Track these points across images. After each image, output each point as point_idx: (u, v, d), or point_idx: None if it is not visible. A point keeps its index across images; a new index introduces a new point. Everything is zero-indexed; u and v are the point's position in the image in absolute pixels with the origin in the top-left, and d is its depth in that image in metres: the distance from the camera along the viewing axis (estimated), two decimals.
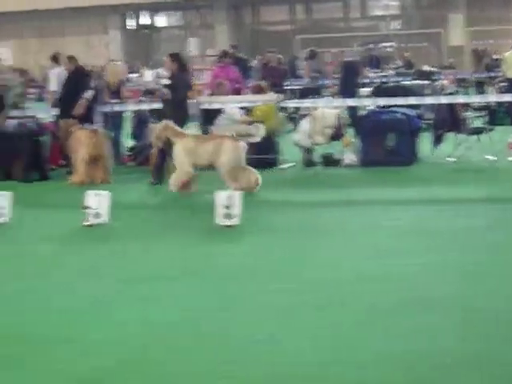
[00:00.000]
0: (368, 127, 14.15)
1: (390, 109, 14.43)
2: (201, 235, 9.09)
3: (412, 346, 5.39)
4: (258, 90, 15.34)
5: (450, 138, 14.65)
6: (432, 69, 27.13)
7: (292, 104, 16.76)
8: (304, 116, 14.88)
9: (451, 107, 14.34)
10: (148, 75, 25.24)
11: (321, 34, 39.79)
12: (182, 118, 12.58)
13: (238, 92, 16.76)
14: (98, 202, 9.63)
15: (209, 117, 14.41)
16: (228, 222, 9.24)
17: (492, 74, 25.12)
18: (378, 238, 8.60)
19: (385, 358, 5.21)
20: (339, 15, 45.91)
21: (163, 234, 9.43)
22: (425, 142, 14.65)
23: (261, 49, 30.80)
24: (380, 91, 17.22)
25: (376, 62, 27.85)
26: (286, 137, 15.26)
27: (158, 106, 13.72)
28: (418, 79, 22.31)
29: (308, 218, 10.00)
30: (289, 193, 11.88)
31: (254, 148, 12.54)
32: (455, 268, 7.31)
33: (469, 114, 15.20)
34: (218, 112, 14.37)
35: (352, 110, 17.02)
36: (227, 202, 9.26)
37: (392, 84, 20.74)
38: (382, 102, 14.84)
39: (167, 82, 13.03)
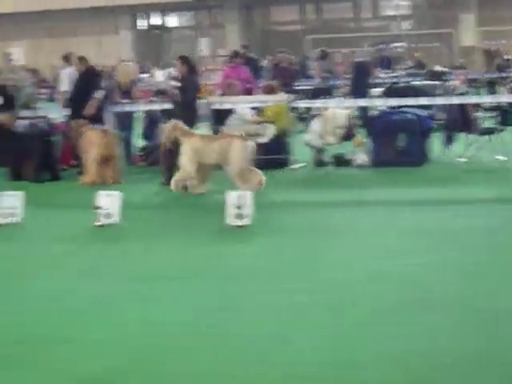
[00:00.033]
0: (379, 128, 14.14)
1: (401, 109, 14.41)
2: (212, 235, 9.10)
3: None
4: (269, 91, 15.31)
5: (461, 138, 14.64)
6: (444, 69, 27.05)
7: (303, 104, 16.73)
8: (315, 116, 14.88)
9: (462, 107, 14.32)
10: (159, 75, 25.32)
11: (331, 34, 39.75)
12: (191, 119, 12.64)
13: (249, 92, 16.75)
14: (109, 202, 9.64)
15: (220, 117, 14.41)
16: (239, 222, 9.24)
17: (503, 75, 25.06)
18: (389, 239, 8.60)
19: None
20: (350, 15, 45.84)
21: (174, 234, 9.44)
22: (436, 142, 14.63)
23: (271, 49, 30.80)
24: (391, 92, 17.16)
25: (387, 63, 27.79)
26: (297, 137, 15.25)
27: (168, 106, 13.74)
28: (430, 79, 22.25)
29: (319, 218, 9.99)
30: (300, 193, 11.88)
31: (265, 148, 12.54)
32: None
33: (480, 114, 15.17)
34: (229, 112, 14.37)
35: (363, 110, 16.99)
36: (238, 202, 9.26)
37: (403, 84, 20.66)
38: (393, 102, 14.82)
39: (177, 83, 13.07)
